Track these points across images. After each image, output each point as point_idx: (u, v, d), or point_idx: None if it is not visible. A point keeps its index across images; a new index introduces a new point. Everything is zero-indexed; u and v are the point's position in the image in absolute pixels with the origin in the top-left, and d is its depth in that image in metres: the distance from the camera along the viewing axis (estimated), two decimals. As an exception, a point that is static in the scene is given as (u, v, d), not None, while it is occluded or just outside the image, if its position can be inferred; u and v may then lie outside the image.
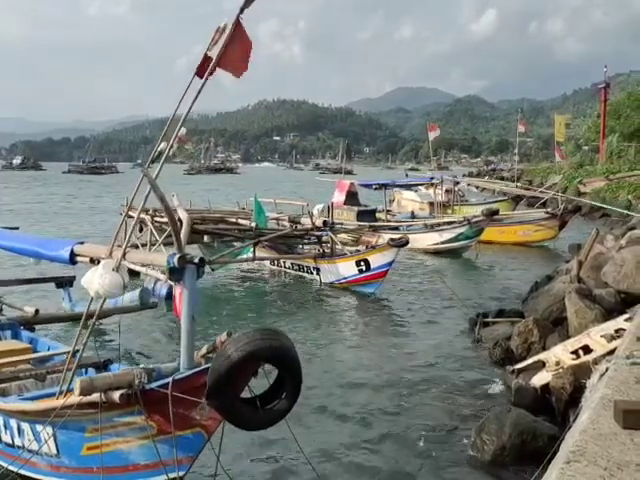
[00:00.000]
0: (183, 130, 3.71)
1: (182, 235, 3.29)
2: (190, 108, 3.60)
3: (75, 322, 7.92)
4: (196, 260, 3.14)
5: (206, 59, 3.53)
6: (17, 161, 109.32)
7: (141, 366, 3.21)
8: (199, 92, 3.55)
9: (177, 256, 3.09)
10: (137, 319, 8.45)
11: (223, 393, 2.92)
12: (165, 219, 11.37)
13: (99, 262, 3.63)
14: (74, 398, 3.15)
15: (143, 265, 3.45)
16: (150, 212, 11.36)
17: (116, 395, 3.05)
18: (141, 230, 11.42)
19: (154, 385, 3.08)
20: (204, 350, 3.34)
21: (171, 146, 3.67)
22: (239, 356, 2.87)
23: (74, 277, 8.13)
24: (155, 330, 8.54)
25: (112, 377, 3.10)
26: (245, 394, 3.12)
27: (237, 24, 3.39)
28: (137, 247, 11.21)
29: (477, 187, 36.91)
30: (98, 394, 3.08)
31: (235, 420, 3.05)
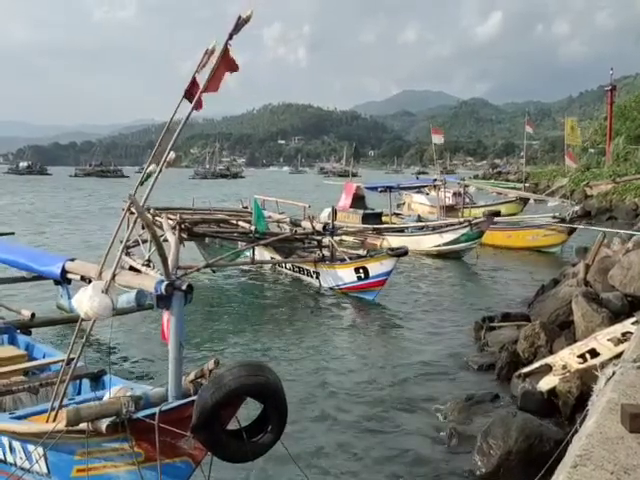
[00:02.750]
0: (172, 154, 3.69)
1: (170, 260, 3.27)
2: (179, 132, 3.61)
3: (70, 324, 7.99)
4: (184, 287, 3.11)
5: (194, 83, 3.56)
6: (23, 165, 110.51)
7: (129, 394, 3.20)
8: (187, 118, 3.57)
9: (165, 283, 3.07)
10: (132, 323, 8.46)
11: (209, 428, 2.95)
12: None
13: (90, 280, 3.63)
14: (62, 425, 3.17)
15: (131, 287, 3.42)
16: (152, 211, 11.41)
17: (103, 425, 3.07)
18: (143, 227, 11.49)
19: (141, 415, 3.08)
20: (192, 375, 3.35)
21: (160, 170, 3.66)
22: (224, 393, 2.89)
23: None
24: (150, 335, 8.51)
25: (99, 406, 3.09)
26: (232, 424, 3.12)
27: (225, 50, 3.45)
28: (139, 244, 11.29)
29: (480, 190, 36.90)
30: (85, 424, 3.10)
31: (220, 454, 3.08)
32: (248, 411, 3.22)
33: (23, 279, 8.83)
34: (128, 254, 10.84)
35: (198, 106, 3.55)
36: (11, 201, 38.00)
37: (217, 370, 3.07)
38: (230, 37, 3.42)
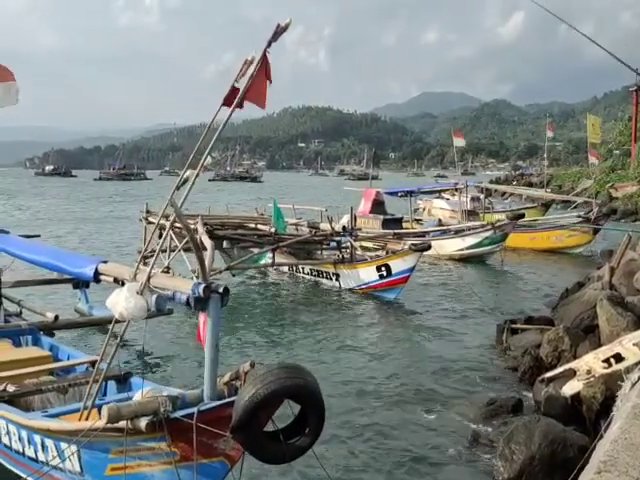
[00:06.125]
0: (209, 159, 3.76)
1: (207, 263, 3.31)
2: (216, 136, 3.68)
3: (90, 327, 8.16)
4: (221, 289, 3.15)
5: (234, 90, 3.62)
6: (49, 168, 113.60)
7: (165, 393, 3.24)
8: (225, 122, 3.65)
9: (202, 286, 3.10)
10: (153, 327, 8.54)
11: (248, 428, 2.97)
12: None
13: (123, 283, 3.68)
14: (100, 422, 3.20)
15: (166, 289, 3.45)
16: (170, 218, 11.44)
17: (142, 423, 3.10)
18: (160, 236, 11.63)
19: (179, 414, 3.11)
20: (227, 378, 3.37)
21: (197, 175, 3.73)
22: (265, 394, 2.91)
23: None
24: (173, 339, 8.62)
25: (138, 405, 3.13)
26: (268, 426, 3.15)
27: (264, 58, 3.50)
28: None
29: (503, 194, 36.44)
30: (125, 422, 3.13)
31: (259, 454, 3.11)
32: (286, 412, 3.23)
33: (44, 282, 8.95)
34: (146, 264, 10.91)
35: (239, 106, 3.60)
36: (39, 204, 38.80)
37: (254, 371, 3.09)
38: (269, 45, 3.46)
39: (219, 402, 3.13)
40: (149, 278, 3.52)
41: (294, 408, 3.17)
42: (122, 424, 3.15)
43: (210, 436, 3.10)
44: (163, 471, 3.28)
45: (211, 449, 3.16)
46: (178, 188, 3.75)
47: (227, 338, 8.67)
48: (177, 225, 11.79)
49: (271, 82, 3.60)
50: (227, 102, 3.65)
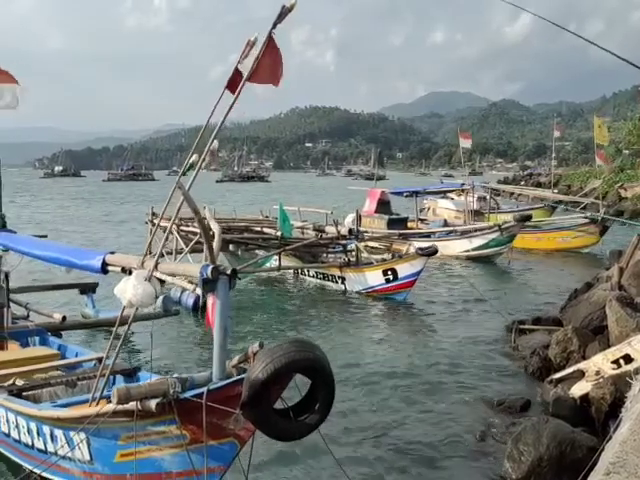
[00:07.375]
0: (215, 144, 3.73)
1: (214, 247, 3.33)
2: (222, 122, 3.63)
3: (97, 328, 8.20)
4: (228, 271, 3.16)
5: (237, 73, 3.55)
6: (58, 169, 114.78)
7: (174, 375, 3.23)
8: (231, 107, 3.58)
9: (210, 267, 3.12)
10: (161, 326, 8.59)
11: (258, 404, 2.95)
12: (190, 228, 11.61)
13: (130, 272, 3.69)
14: (110, 406, 3.20)
15: (175, 276, 3.47)
16: (176, 221, 11.44)
17: (152, 404, 3.10)
18: (166, 238, 11.63)
19: (188, 395, 3.11)
20: (235, 360, 3.37)
21: (203, 159, 3.70)
22: (275, 368, 2.89)
23: (97, 284, 8.40)
24: (178, 337, 8.66)
25: (147, 386, 3.14)
26: (278, 404, 3.14)
27: (269, 39, 3.43)
28: (162, 255, 11.37)
29: (512, 194, 36.21)
30: (134, 403, 3.13)
31: (269, 431, 3.09)
32: (294, 392, 3.25)
33: (51, 288, 9.04)
34: None
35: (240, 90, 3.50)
36: (47, 204, 39.05)
37: (263, 349, 3.08)
38: (274, 26, 3.40)
39: (229, 380, 3.12)
40: (156, 265, 3.52)
41: (302, 391, 3.18)
42: (132, 406, 3.14)
43: (220, 416, 3.09)
44: (173, 455, 3.28)
45: (221, 430, 3.15)
46: (184, 174, 3.75)
47: (232, 339, 8.67)
48: (183, 228, 11.90)
49: (281, 64, 3.51)
50: (231, 87, 3.59)
